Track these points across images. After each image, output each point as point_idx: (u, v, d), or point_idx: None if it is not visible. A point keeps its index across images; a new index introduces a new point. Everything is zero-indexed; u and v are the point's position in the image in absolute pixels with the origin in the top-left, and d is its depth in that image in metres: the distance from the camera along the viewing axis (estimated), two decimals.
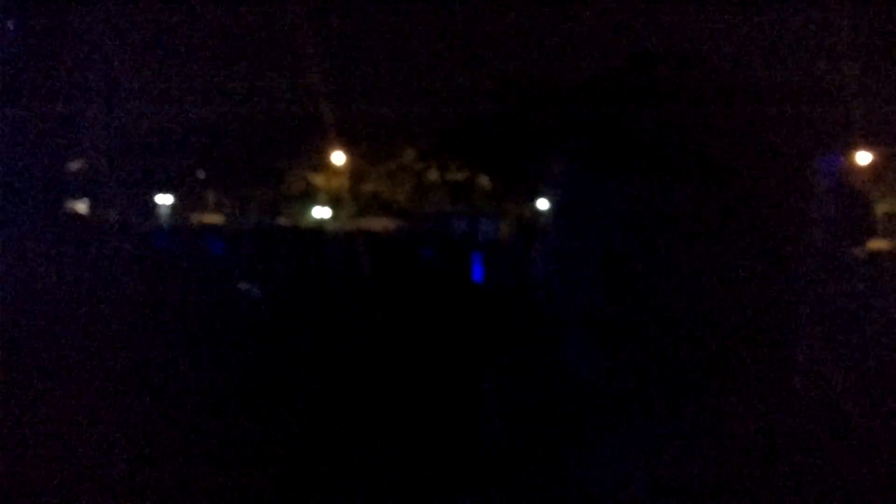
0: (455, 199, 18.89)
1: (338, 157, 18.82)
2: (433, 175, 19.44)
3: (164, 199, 18.18)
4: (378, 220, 17.82)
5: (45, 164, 11.55)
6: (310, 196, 19.24)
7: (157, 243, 10.97)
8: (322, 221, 18.90)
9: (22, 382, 3.75)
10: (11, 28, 10.45)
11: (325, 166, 19.04)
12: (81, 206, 13.68)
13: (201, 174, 18.93)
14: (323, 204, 19.14)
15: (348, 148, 18.77)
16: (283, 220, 18.87)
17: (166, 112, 17.89)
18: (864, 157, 17.60)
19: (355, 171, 18.88)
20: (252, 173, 18.77)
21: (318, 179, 19.17)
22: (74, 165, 13.48)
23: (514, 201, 18.36)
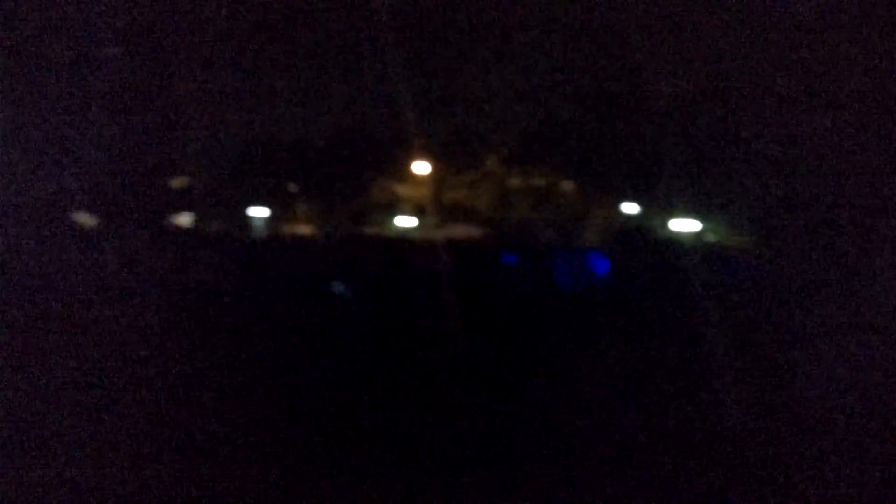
0: (539, 205, 18.77)
1: (421, 167, 19.13)
2: (516, 181, 19.41)
3: (260, 212, 19.05)
4: (461, 228, 17.92)
5: (150, 180, 12.32)
6: (394, 206, 19.65)
7: (255, 252, 11.55)
8: (406, 230, 19.22)
9: (132, 376, 4.08)
10: (117, 56, 11.25)
11: (409, 176, 19.40)
12: (185, 220, 14.50)
13: (293, 188, 19.72)
14: (407, 213, 19.48)
15: (431, 157, 19.03)
16: (369, 230, 19.28)
17: (260, 129, 18.70)
18: None
19: (438, 180, 19.12)
20: (339, 186, 19.39)
21: (402, 189, 19.56)
22: (178, 182, 14.31)
23: (601, 206, 18.05)
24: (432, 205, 18.63)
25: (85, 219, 10.37)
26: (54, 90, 9.52)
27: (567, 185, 20.05)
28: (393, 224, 20.29)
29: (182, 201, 14.96)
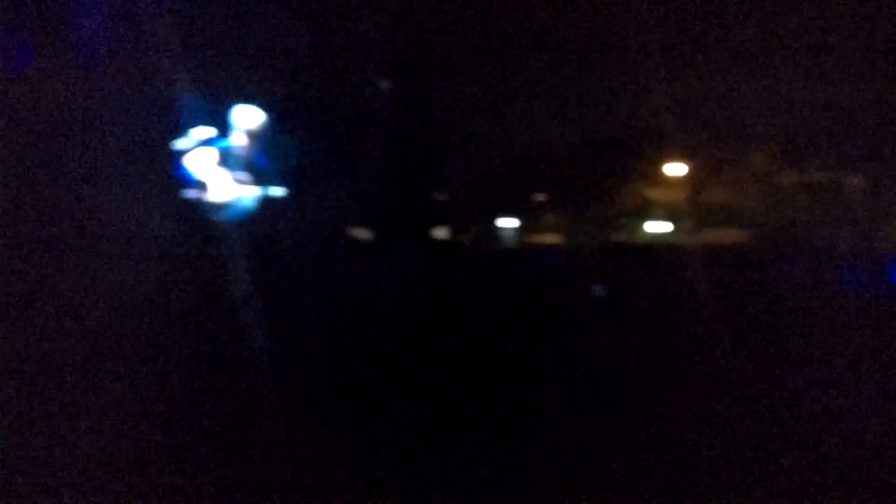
0: (817, 204, 16.67)
1: (675, 168, 18.14)
2: (789, 179, 17.46)
3: (510, 223, 19.61)
4: (725, 233, 16.61)
5: (415, 197, 13.28)
6: (646, 211, 18.92)
7: (506, 262, 11.90)
8: (660, 235, 18.36)
9: (337, 384, 4.37)
10: (386, 87, 12.37)
11: (662, 179, 18.53)
12: (441, 233, 15.43)
13: (541, 197, 19.97)
14: (660, 218, 18.61)
15: (687, 158, 17.95)
16: (619, 237, 18.78)
17: (509, 140, 19.23)
18: None
19: (695, 182, 17.97)
20: (587, 193, 19.20)
21: (655, 193, 18.76)
22: (438, 197, 15.28)
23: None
24: (691, 208, 17.54)
25: (361, 233, 11.56)
26: (331, 122, 10.77)
27: (852, 181, 17.53)
28: (647, 230, 19.52)
29: (441, 215, 15.96)
